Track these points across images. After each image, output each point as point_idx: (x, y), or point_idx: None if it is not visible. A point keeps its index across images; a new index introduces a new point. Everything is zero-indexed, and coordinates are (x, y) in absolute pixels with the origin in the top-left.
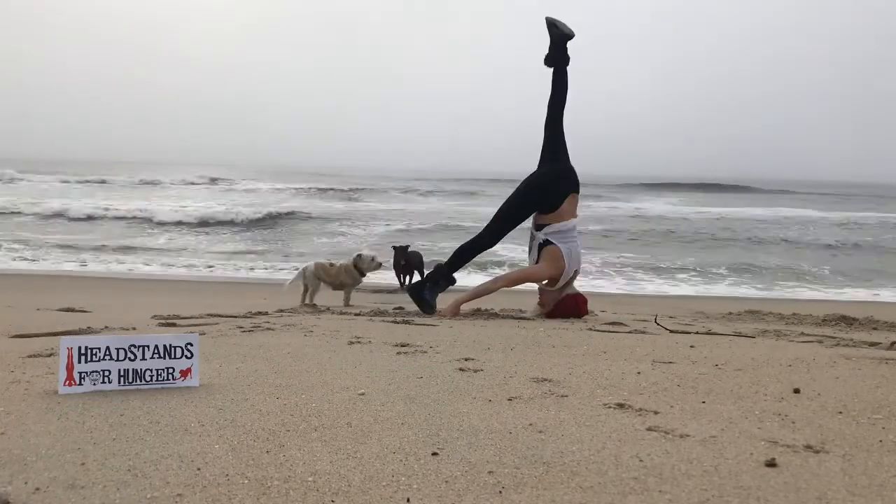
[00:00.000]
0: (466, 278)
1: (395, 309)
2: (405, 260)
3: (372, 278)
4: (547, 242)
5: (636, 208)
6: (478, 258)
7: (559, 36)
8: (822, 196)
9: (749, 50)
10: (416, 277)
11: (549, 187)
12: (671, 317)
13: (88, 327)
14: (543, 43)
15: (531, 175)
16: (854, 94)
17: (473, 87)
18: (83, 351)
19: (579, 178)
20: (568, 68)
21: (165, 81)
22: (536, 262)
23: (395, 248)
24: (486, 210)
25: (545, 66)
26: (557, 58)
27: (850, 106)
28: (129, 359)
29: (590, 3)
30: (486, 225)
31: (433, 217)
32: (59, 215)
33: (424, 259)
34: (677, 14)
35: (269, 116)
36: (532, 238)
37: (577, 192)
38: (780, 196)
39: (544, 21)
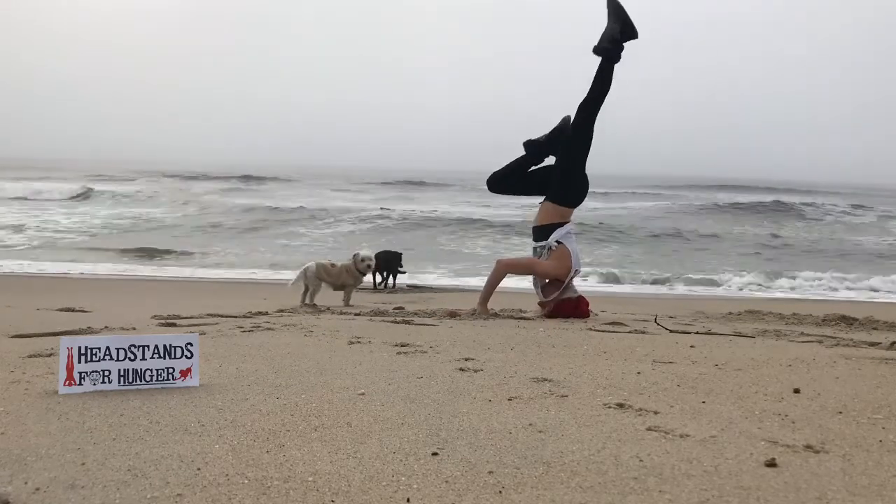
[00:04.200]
0: (474, 279)
1: (395, 309)
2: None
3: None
4: (558, 243)
5: None
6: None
7: (627, 32)
8: None
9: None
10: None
11: (578, 185)
12: (671, 317)
13: (88, 327)
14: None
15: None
16: None
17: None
18: (83, 351)
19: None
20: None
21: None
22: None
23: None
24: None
25: (593, 55)
26: (613, 51)
27: None
28: (129, 359)
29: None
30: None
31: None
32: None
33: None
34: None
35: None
36: (539, 246)
37: (576, 206)
38: None
39: (610, 3)
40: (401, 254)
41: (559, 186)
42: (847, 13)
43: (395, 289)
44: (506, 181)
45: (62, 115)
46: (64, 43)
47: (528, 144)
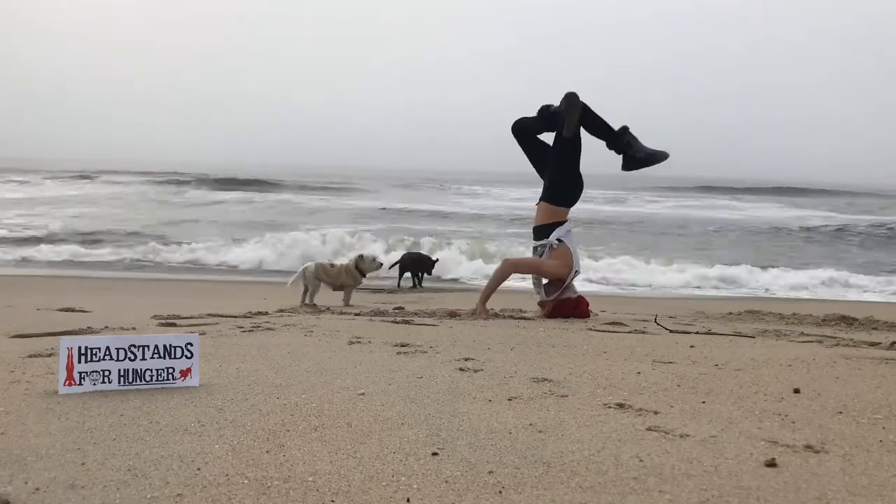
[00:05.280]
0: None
1: (395, 309)
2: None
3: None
4: (559, 242)
5: None
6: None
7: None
8: None
9: None
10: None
11: (573, 185)
12: (671, 317)
13: (88, 327)
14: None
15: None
16: None
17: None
18: (83, 351)
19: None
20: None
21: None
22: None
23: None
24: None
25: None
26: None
27: None
28: (129, 359)
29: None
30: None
31: None
32: None
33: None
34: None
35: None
36: (540, 245)
37: (571, 206)
38: None
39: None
40: (429, 256)
41: (554, 186)
42: None
43: (422, 288)
44: (524, 136)
45: (62, 116)
46: (64, 43)
47: (546, 111)
